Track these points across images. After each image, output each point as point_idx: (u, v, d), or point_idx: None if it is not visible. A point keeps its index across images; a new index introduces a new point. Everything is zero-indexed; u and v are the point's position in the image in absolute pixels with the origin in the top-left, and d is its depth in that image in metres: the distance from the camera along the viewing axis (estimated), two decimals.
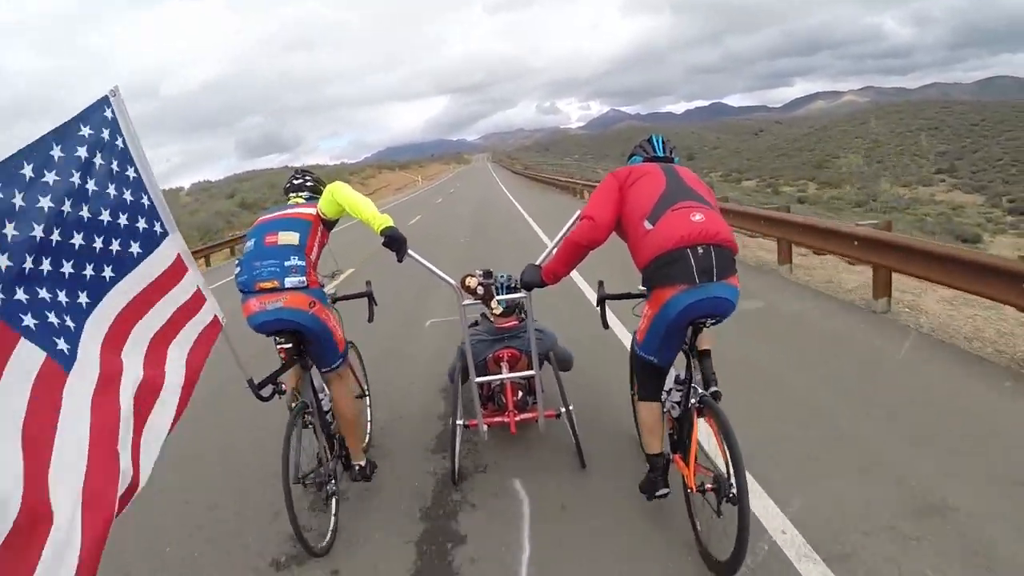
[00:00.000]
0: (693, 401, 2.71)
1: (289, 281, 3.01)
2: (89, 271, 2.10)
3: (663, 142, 3.08)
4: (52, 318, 1.90)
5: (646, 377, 2.90)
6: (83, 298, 2.07)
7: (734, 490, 2.41)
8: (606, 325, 3.29)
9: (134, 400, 2.15)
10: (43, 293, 1.91)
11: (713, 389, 2.67)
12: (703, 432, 2.70)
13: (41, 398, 1.75)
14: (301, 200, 3.46)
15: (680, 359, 2.82)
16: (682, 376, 2.84)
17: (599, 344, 4.95)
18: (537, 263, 3.10)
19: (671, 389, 2.92)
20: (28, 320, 1.81)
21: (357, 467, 3.44)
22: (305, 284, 3.04)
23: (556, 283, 3.05)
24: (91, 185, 2.13)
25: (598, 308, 3.25)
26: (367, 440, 4.08)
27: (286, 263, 3.03)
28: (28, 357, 1.77)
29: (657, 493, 2.91)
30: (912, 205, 58.58)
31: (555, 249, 3.12)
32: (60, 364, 1.85)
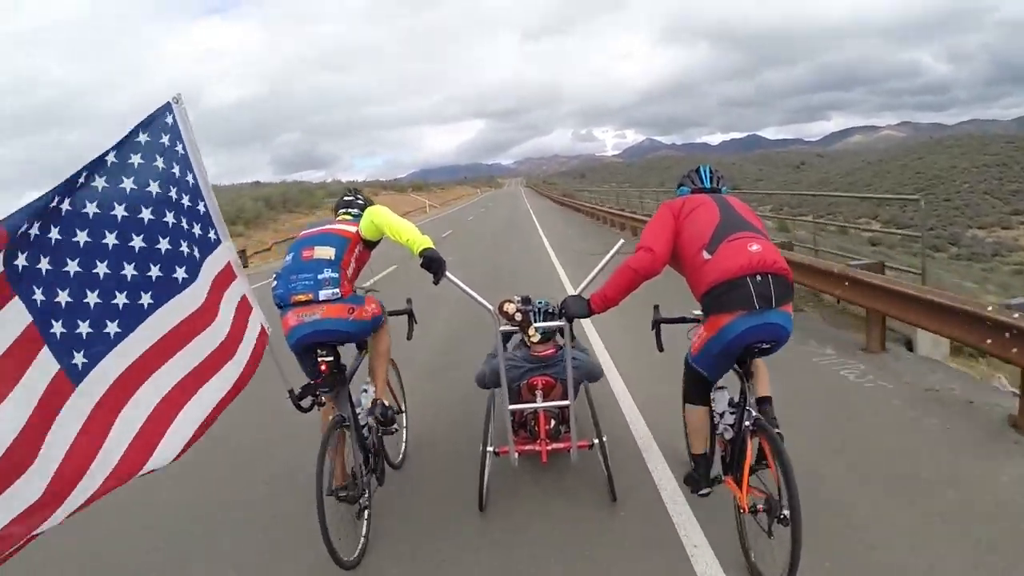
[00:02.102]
0: (747, 423, 2.81)
1: (323, 293, 3.08)
2: (155, 271, 2.18)
3: (711, 172, 3.20)
4: (83, 327, 1.95)
5: (693, 384, 3.03)
6: (146, 299, 2.15)
7: (786, 511, 2.48)
8: (661, 348, 3.29)
9: (163, 400, 2.19)
10: (91, 297, 1.98)
11: (776, 431, 2.75)
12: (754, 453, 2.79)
13: (41, 412, 1.80)
14: (349, 217, 3.53)
15: (735, 384, 2.95)
16: (736, 399, 2.96)
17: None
18: (576, 292, 3.15)
19: (724, 412, 3.04)
20: (57, 327, 1.87)
21: (381, 403, 3.50)
22: (339, 295, 3.10)
23: (604, 311, 3.02)
24: (154, 188, 2.21)
25: (653, 332, 3.29)
26: (401, 456, 4.22)
27: (319, 276, 3.10)
28: (44, 370, 1.83)
29: (700, 492, 3.09)
30: (1000, 251, 50.35)
31: (595, 276, 3.22)
32: (71, 379, 1.90)
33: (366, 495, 3.27)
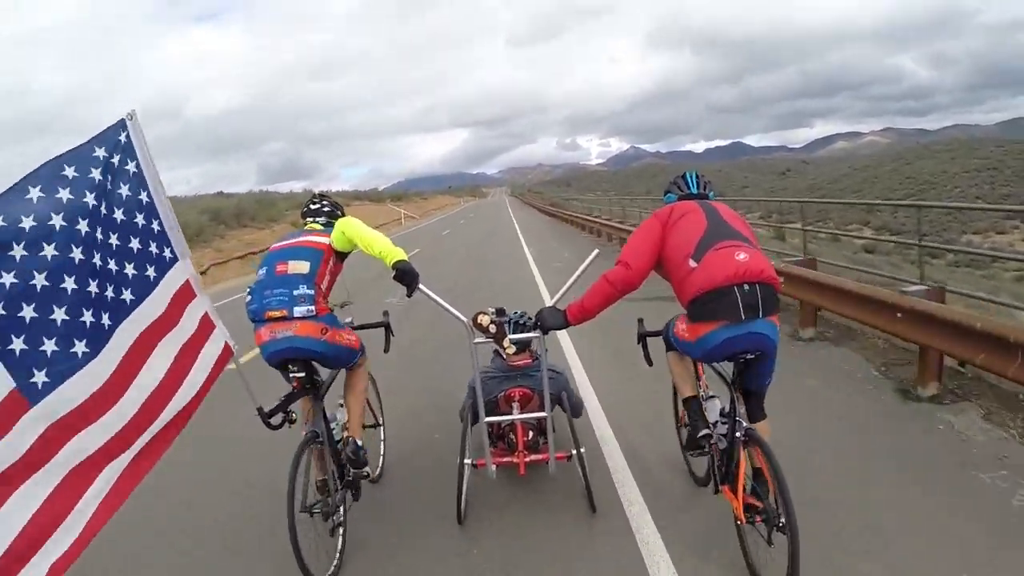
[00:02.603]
0: (738, 434, 2.85)
1: (298, 310, 3.05)
2: (110, 292, 2.16)
3: (697, 178, 3.21)
4: (48, 345, 1.92)
5: (671, 346, 3.16)
6: (105, 320, 2.12)
7: (783, 519, 2.55)
8: (650, 362, 3.37)
9: (123, 429, 2.18)
10: (57, 314, 1.95)
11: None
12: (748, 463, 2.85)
13: None
14: (318, 227, 3.49)
15: (725, 392, 3.08)
16: (727, 409, 3.01)
17: None
18: (551, 304, 3.17)
19: (717, 422, 3.16)
20: (16, 344, 1.85)
21: (354, 441, 3.45)
22: (314, 313, 3.08)
23: (581, 323, 3.05)
24: (103, 208, 2.19)
25: (639, 345, 3.39)
26: (379, 470, 4.22)
27: (295, 292, 3.07)
28: None
29: (699, 435, 3.08)
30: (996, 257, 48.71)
31: (570, 287, 3.22)
32: (26, 397, 1.86)
33: (340, 511, 3.23)
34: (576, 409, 3.87)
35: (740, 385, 2.91)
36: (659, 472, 3.92)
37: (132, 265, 2.29)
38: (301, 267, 3.14)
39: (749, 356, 2.73)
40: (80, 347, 2.00)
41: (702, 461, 3.49)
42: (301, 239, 3.31)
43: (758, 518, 2.74)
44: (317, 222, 3.52)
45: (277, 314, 3.05)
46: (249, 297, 3.15)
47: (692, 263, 2.70)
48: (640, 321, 3.37)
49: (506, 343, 3.33)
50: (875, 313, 5.42)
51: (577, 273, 3.19)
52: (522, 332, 3.56)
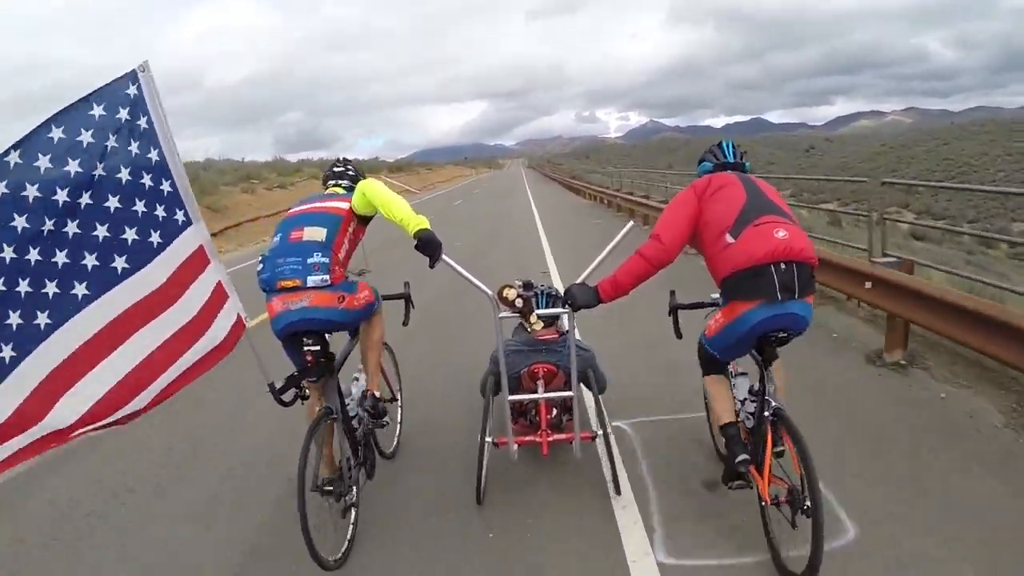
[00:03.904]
0: (767, 413, 2.84)
1: (311, 280, 2.94)
2: (91, 261, 2.09)
3: (734, 148, 3.17)
4: (12, 319, 1.91)
5: (707, 362, 3.13)
6: (80, 289, 2.07)
7: (808, 502, 2.54)
8: (679, 335, 3.38)
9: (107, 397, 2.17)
10: (23, 286, 1.93)
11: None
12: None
13: None
14: (340, 191, 3.41)
15: (754, 370, 3.03)
16: (756, 387, 3.04)
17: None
18: (580, 280, 3.09)
19: (745, 399, 3.17)
20: None
21: (372, 394, 3.42)
22: (329, 282, 2.97)
23: (614, 300, 2.99)
24: (99, 171, 2.10)
25: (670, 317, 3.39)
26: (395, 445, 4.18)
27: (309, 260, 2.96)
28: None
29: (737, 460, 2.95)
30: None
31: (599, 264, 3.14)
32: None
33: (353, 491, 3.17)
34: (602, 385, 3.78)
35: (767, 361, 2.89)
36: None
37: (134, 230, 2.22)
38: (317, 234, 3.03)
39: (782, 335, 2.74)
40: (43, 319, 1.98)
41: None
42: (320, 204, 3.21)
43: (783, 499, 2.72)
44: (340, 185, 3.46)
45: (290, 284, 2.93)
46: (261, 266, 3.05)
47: (729, 238, 2.67)
48: (672, 293, 3.35)
49: (533, 318, 3.29)
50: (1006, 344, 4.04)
51: (609, 248, 3.11)
52: (551, 305, 3.56)
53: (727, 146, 3.18)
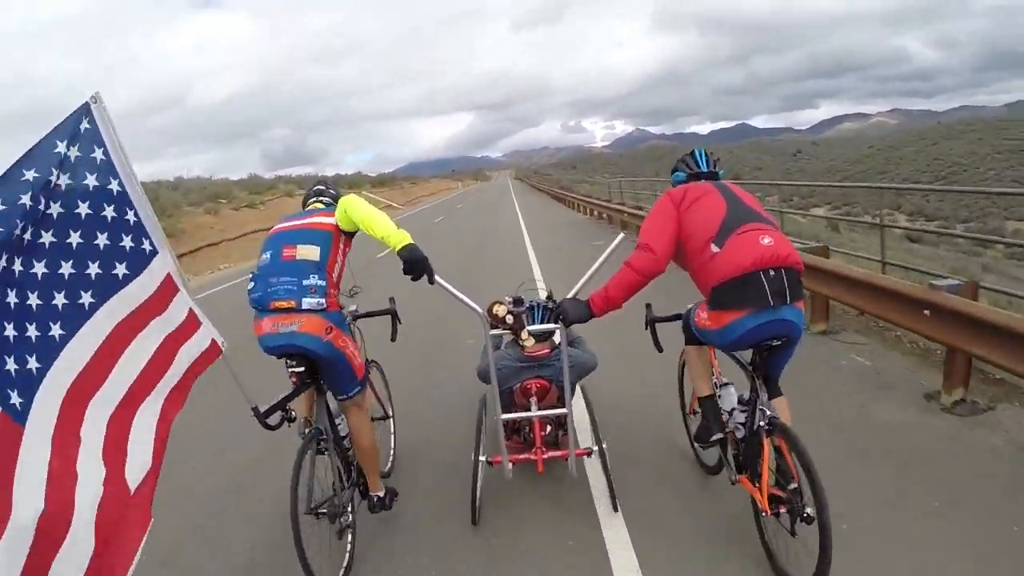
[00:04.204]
0: (761, 423, 2.79)
1: (307, 302, 2.87)
2: (60, 300, 2.05)
3: (706, 156, 3.14)
4: (9, 364, 1.86)
5: (691, 337, 3.11)
6: (56, 330, 2.02)
7: (810, 509, 2.50)
8: (660, 348, 3.36)
9: (107, 436, 2.12)
10: (8, 330, 1.89)
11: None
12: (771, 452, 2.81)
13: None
14: (321, 206, 3.34)
15: (743, 380, 3.01)
16: (746, 397, 2.98)
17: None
18: (571, 295, 3.09)
19: (734, 410, 3.08)
20: None
21: (376, 498, 3.36)
22: (324, 306, 2.90)
23: (605, 314, 2.98)
24: (58, 207, 2.06)
25: (648, 331, 3.34)
26: (390, 465, 4.11)
27: (304, 282, 2.89)
28: None
29: (712, 438, 3.07)
30: None
31: (591, 277, 3.12)
32: (14, 419, 1.82)
33: (348, 513, 3.11)
34: (591, 366, 3.76)
35: (759, 370, 2.86)
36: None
37: (96, 264, 2.17)
38: (311, 252, 2.96)
39: (775, 343, 2.69)
40: (32, 362, 1.93)
41: (712, 452, 3.45)
42: (308, 220, 3.13)
43: (782, 508, 2.67)
44: (321, 201, 3.40)
45: (284, 305, 2.85)
46: (252, 284, 2.97)
47: (714, 248, 2.65)
48: (648, 306, 3.31)
49: (524, 335, 3.23)
50: None
51: (601, 259, 3.10)
52: (544, 317, 3.53)
53: (699, 155, 3.15)
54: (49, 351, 1.97)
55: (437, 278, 2.94)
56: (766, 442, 2.73)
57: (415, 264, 2.81)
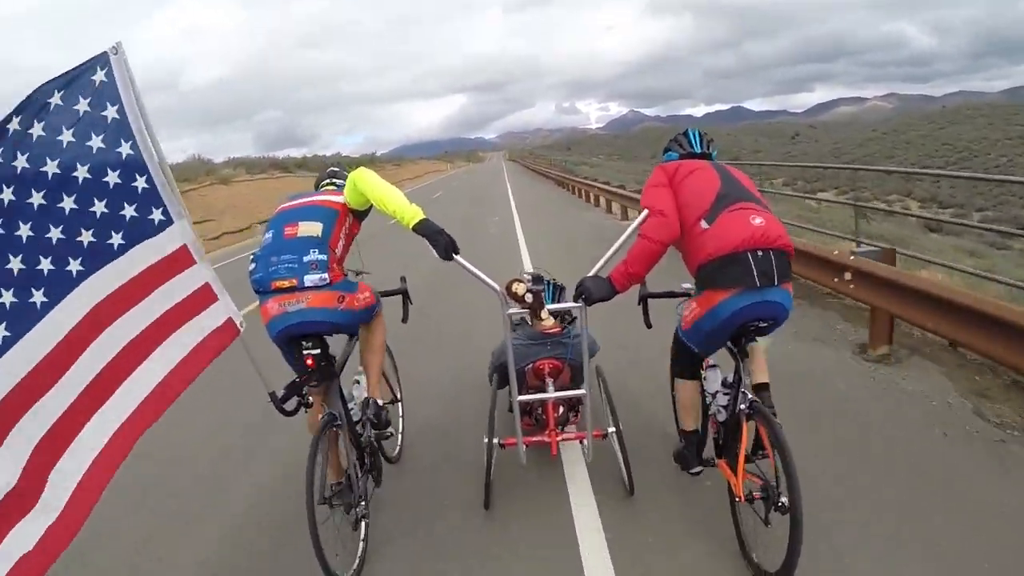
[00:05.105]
0: (742, 406, 2.79)
1: (309, 279, 2.78)
2: (47, 265, 1.96)
3: (700, 136, 3.14)
4: None
5: (682, 359, 3.08)
6: (38, 297, 1.93)
7: (784, 499, 2.48)
8: (649, 325, 3.35)
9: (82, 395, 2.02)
10: None
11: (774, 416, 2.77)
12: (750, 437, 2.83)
13: None
14: (333, 187, 3.30)
15: (728, 362, 2.97)
16: (730, 379, 2.95)
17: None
18: (592, 273, 2.99)
19: (717, 392, 3.07)
20: None
21: (373, 401, 3.22)
22: (328, 281, 2.81)
23: (628, 289, 2.95)
24: (51, 168, 1.96)
25: (640, 307, 3.37)
26: (398, 450, 4.04)
27: (305, 258, 2.80)
28: None
29: (691, 470, 3.11)
30: None
31: (612, 255, 3.02)
32: None
33: (363, 502, 3.02)
34: (593, 351, 3.71)
35: (743, 352, 2.83)
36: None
37: (90, 233, 2.05)
38: (313, 228, 2.88)
39: (762, 325, 2.68)
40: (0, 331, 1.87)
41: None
42: (314, 198, 3.08)
43: (756, 495, 2.68)
44: (333, 183, 3.36)
45: (285, 284, 2.78)
46: (253, 265, 2.90)
47: (704, 224, 2.65)
48: (642, 282, 3.24)
49: (544, 314, 3.25)
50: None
51: (624, 236, 2.99)
52: (558, 298, 3.55)
53: (693, 135, 3.15)
54: (28, 317, 1.90)
55: (459, 258, 2.83)
56: (745, 426, 2.74)
57: (435, 237, 2.72)
